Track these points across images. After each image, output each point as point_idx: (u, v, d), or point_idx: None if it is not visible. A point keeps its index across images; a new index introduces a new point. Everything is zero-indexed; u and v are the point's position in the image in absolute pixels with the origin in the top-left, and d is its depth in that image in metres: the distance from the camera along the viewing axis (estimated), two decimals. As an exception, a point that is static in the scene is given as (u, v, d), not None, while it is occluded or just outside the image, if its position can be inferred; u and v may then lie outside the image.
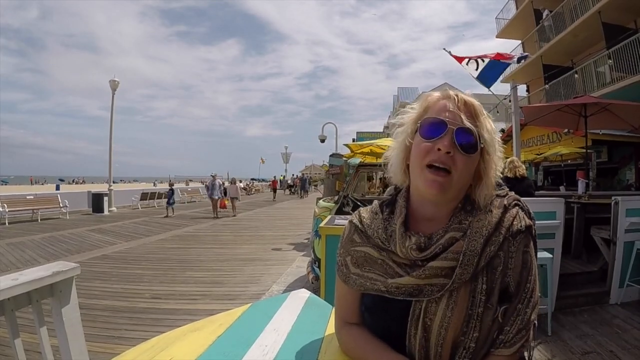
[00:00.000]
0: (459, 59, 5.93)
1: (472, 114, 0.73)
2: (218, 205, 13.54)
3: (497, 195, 0.77)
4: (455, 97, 0.74)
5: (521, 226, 0.71)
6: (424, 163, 0.71)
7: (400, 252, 0.73)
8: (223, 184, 14.43)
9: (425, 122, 0.73)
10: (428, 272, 0.68)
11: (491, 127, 0.75)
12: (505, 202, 0.75)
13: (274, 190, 26.26)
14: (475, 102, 0.75)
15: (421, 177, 0.72)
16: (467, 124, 0.70)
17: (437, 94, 0.77)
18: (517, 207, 0.75)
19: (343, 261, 0.82)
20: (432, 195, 0.71)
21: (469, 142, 0.70)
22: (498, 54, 5.61)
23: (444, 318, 0.67)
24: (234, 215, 13.61)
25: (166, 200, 14.06)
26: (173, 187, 14.78)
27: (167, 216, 13.19)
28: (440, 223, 0.74)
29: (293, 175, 33.87)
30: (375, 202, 0.87)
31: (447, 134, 0.70)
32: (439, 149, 0.69)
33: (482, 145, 0.72)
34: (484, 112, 0.76)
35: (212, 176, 14.32)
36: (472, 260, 0.67)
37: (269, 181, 38.79)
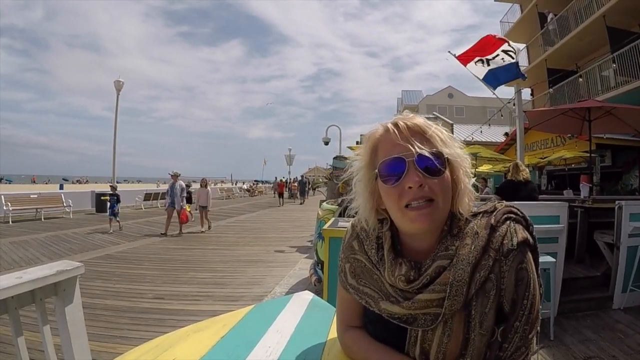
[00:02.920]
0: (464, 61, 5.91)
1: (422, 134, 0.70)
2: (174, 218, 9.09)
3: (485, 213, 0.72)
4: (395, 128, 0.70)
5: (512, 244, 0.66)
6: (401, 206, 0.68)
7: (389, 280, 0.72)
8: (187, 186, 10.03)
9: (382, 166, 0.70)
10: (417, 305, 0.67)
11: (443, 135, 0.71)
12: (493, 221, 0.70)
13: (280, 195, 21.87)
14: (419, 120, 0.72)
15: (404, 218, 0.68)
16: (423, 149, 0.67)
17: (379, 131, 0.74)
18: (507, 222, 0.70)
19: (343, 267, 0.83)
20: (422, 230, 0.68)
21: (434, 165, 0.67)
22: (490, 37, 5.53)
23: (440, 344, 0.67)
24: (203, 232, 9.39)
25: (110, 209, 9.25)
26: (117, 191, 9.73)
27: (108, 232, 8.87)
28: (430, 250, 0.72)
29: (303, 177, 31.73)
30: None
31: (410, 169, 0.66)
32: (410, 187, 0.66)
33: (446, 158, 0.68)
34: (430, 123, 0.72)
35: (172, 175, 9.26)
36: (460, 290, 0.64)
37: (272, 183, 37.15)
